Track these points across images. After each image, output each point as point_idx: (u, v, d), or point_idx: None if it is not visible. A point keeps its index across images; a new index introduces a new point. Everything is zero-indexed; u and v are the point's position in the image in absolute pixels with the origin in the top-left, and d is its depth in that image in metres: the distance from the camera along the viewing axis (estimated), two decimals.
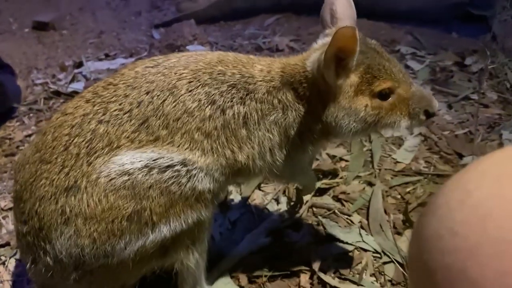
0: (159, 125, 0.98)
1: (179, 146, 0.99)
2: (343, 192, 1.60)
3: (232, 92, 1.05)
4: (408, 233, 1.46)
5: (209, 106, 1.02)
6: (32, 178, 0.96)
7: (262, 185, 1.65)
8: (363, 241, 1.42)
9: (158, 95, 0.99)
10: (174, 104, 0.99)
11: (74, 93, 2.17)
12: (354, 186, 1.63)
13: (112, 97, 0.99)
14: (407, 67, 2.37)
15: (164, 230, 0.98)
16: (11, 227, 1.49)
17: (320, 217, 1.51)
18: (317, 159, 1.72)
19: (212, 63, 1.07)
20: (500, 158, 0.44)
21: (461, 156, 1.77)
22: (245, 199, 1.60)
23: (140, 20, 3.26)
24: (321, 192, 1.60)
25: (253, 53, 2.59)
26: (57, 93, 2.19)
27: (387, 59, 1.05)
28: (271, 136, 1.08)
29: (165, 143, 0.98)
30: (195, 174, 1.00)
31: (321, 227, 1.47)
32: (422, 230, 0.44)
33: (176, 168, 0.98)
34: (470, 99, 2.11)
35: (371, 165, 1.72)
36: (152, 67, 1.05)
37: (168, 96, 1.00)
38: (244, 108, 1.05)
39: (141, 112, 0.98)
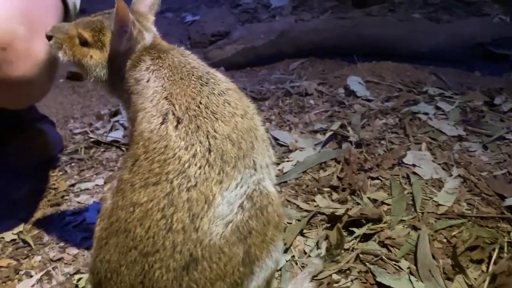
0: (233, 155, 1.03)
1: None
2: (389, 237, 1.59)
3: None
4: (459, 278, 1.44)
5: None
6: (142, 275, 0.96)
7: (304, 230, 1.66)
8: None
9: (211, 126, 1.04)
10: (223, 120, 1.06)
11: (114, 142, 2.24)
12: (398, 231, 1.62)
13: (185, 164, 1.00)
14: (437, 108, 2.40)
15: (269, 263, 1.04)
16: (61, 278, 1.51)
17: (368, 264, 1.50)
18: (358, 204, 1.73)
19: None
20: None
21: (502, 197, 1.76)
22: (287, 246, 1.61)
23: None
24: (366, 237, 1.59)
25: (283, 98, 2.66)
26: (97, 143, 2.26)
27: None
28: None
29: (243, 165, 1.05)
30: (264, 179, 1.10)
31: (369, 274, 1.46)
32: None
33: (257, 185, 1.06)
34: (505, 139, 2.11)
35: (413, 209, 1.72)
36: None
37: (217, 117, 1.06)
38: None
39: (214, 154, 1.01)
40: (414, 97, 2.55)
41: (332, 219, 1.64)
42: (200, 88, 1.10)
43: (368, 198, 1.76)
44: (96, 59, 1.19)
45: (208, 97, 1.08)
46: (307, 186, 1.85)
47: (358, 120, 2.20)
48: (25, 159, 2.07)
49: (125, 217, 0.99)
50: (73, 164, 2.12)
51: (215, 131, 1.03)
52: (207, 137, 1.02)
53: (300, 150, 2.04)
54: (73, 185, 1.96)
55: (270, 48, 3.44)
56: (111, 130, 2.37)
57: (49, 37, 1.22)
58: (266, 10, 4.17)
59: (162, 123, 1.04)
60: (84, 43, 1.19)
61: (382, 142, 2.07)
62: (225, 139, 1.03)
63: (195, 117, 1.04)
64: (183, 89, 1.08)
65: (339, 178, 1.86)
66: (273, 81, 3.10)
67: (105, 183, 1.95)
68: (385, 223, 1.65)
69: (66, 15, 1.57)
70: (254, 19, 4.00)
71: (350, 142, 2.04)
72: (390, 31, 3.33)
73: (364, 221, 1.64)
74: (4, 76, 1.28)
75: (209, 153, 1.00)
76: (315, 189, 1.82)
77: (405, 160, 1.95)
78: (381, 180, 1.87)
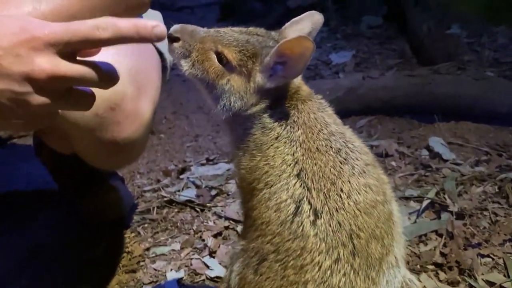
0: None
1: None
2: None
3: None
4: None
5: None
6: None
7: None
8: None
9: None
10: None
11: (188, 202, 2.12)
12: None
13: (326, 271, 0.87)
14: None
15: None
16: None
17: None
18: (472, 286, 1.51)
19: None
20: None
21: None
22: None
23: None
24: None
25: None
26: (170, 202, 2.15)
27: None
28: None
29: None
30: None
31: None
32: None
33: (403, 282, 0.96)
34: None
35: None
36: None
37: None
38: None
39: (359, 259, 0.87)
40: (507, 162, 2.34)
41: None
42: (340, 167, 0.94)
43: (483, 279, 1.54)
44: (234, 86, 0.98)
45: (349, 181, 0.93)
46: (408, 262, 1.64)
47: (453, 187, 2.00)
48: (97, 217, 1.98)
49: None
50: (146, 225, 2.01)
51: (358, 228, 0.89)
52: (351, 237, 0.88)
53: None
54: (147, 249, 1.83)
55: (336, 104, 3.23)
56: (183, 188, 2.26)
57: (174, 39, 0.99)
58: (327, 66, 4.11)
59: (295, 215, 0.90)
60: (224, 63, 0.98)
61: (485, 213, 1.86)
62: (369, 237, 0.90)
63: (336, 210, 0.90)
64: (320, 167, 0.93)
65: (443, 254, 1.66)
66: None
67: (181, 248, 1.82)
68: None
69: (163, 73, 1.51)
70: (316, 76, 3.93)
71: (450, 212, 1.84)
72: (465, 90, 3.16)
73: None
74: (110, 137, 1.20)
75: (354, 257, 0.87)
76: (418, 266, 1.62)
77: None
78: (493, 259, 1.64)
